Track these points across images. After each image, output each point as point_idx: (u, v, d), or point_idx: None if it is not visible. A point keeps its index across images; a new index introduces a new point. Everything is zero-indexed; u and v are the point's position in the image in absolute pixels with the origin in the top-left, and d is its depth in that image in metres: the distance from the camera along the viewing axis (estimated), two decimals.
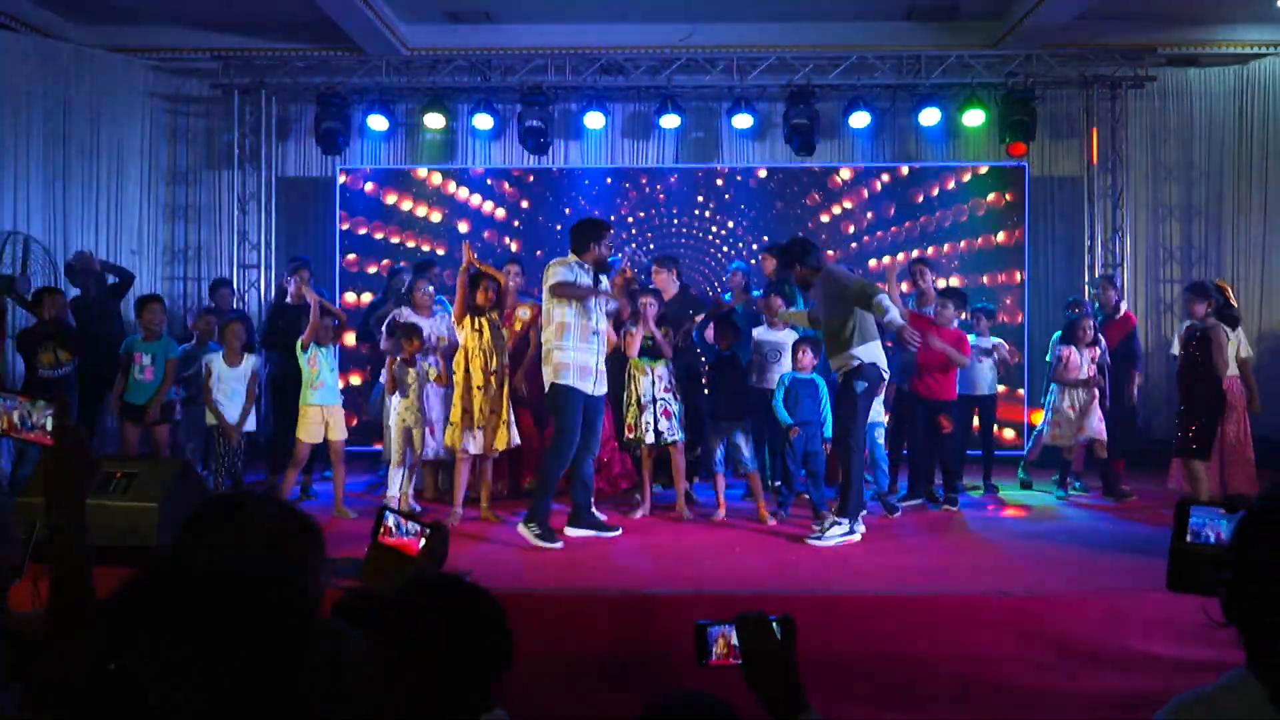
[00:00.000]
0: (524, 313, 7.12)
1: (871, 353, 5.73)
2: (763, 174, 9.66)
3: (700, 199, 9.64)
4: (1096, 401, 7.12)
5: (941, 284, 8.01)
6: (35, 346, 6.80)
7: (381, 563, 2.14)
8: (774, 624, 1.73)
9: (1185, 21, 9.46)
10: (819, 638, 3.93)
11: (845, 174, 9.64)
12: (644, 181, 9.69)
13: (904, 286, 7.90)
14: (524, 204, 9.64)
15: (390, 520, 2.19)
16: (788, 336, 6.78)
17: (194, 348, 7.41)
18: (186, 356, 7.34)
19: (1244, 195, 9.70)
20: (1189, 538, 2.10)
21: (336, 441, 6.71)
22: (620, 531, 5.92)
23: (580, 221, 6.01)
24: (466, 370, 6.21)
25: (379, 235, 9.61)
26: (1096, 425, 7.08)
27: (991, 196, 9.47)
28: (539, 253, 9.50)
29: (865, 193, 9.56)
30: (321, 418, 6.64)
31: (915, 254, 8.93)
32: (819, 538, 5.65)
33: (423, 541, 2.18)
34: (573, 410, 5.66)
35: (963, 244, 9.36)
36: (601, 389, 5.84)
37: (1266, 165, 9.67)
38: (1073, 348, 7.16)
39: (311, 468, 7.33)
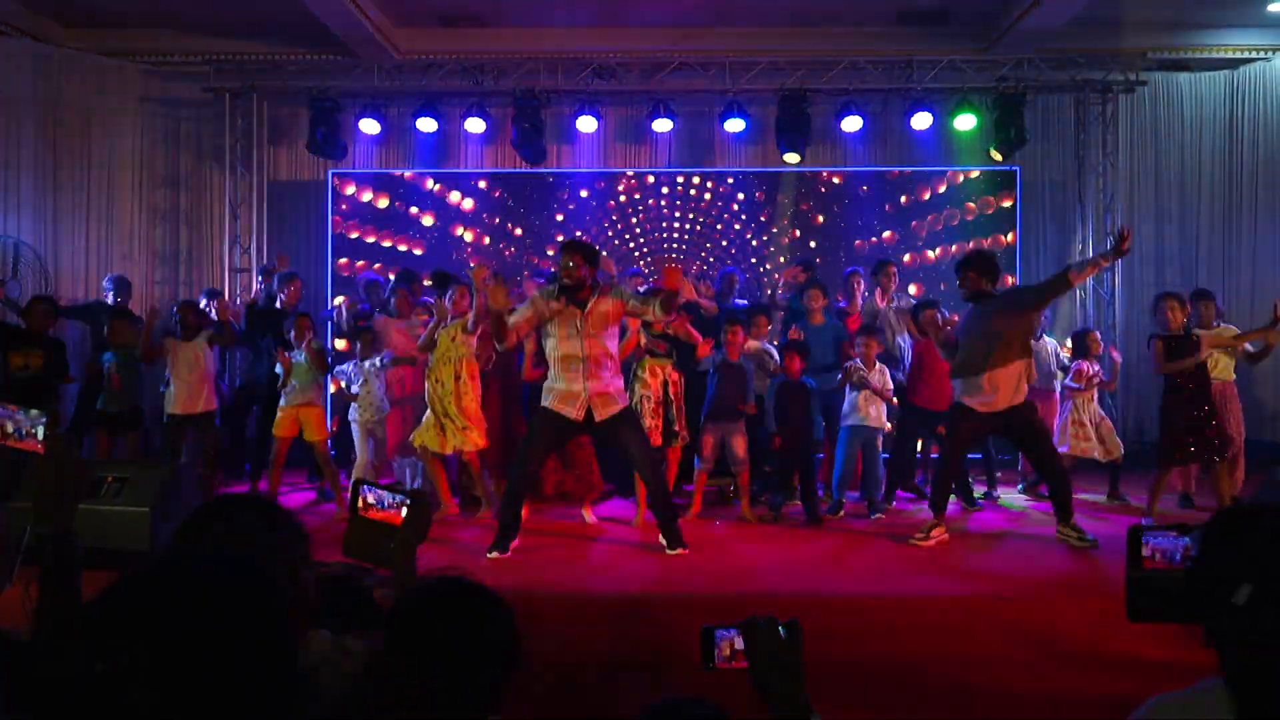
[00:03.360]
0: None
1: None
2: (755, 178, 9.67)
3: (692, 203, 9.65)
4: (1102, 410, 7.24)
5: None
6: (9, 349, 6.86)
7: (363, 535, 2.14)
8: (781, 628, 1.74)
9: (1176, 26, 9.50)
10: (814, 639, 3.92)
11: (837, 178, 9.66)
12: (636, 185, 9.69)
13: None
14: (516, 208, 9.64)
15: (368, 494, 2.19)
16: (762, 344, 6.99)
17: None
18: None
19: (1234, 199, 9.74)
20: (1145, 563, 1.98)
21: (314, 442, 6.75)
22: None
23: None
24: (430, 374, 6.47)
25: (370, 239, 9.62)
26: (1112, 436, 7.17)
27: (983, 200, 9.50)
28: (536, 260, 9.52)
29: (857, 197, 9.58)
30: (294, 417, 6.70)
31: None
32: (925, 538, 5.71)
33: (404, 511, 2.18)
34: (531, 431, 5.73)
35: (954, 247, 9.36)
36: (603, 412, 5.52)
37: (1257, 169, 9.70)
38: (1084, 360, 7.20)
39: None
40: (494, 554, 5.40)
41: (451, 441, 6.35)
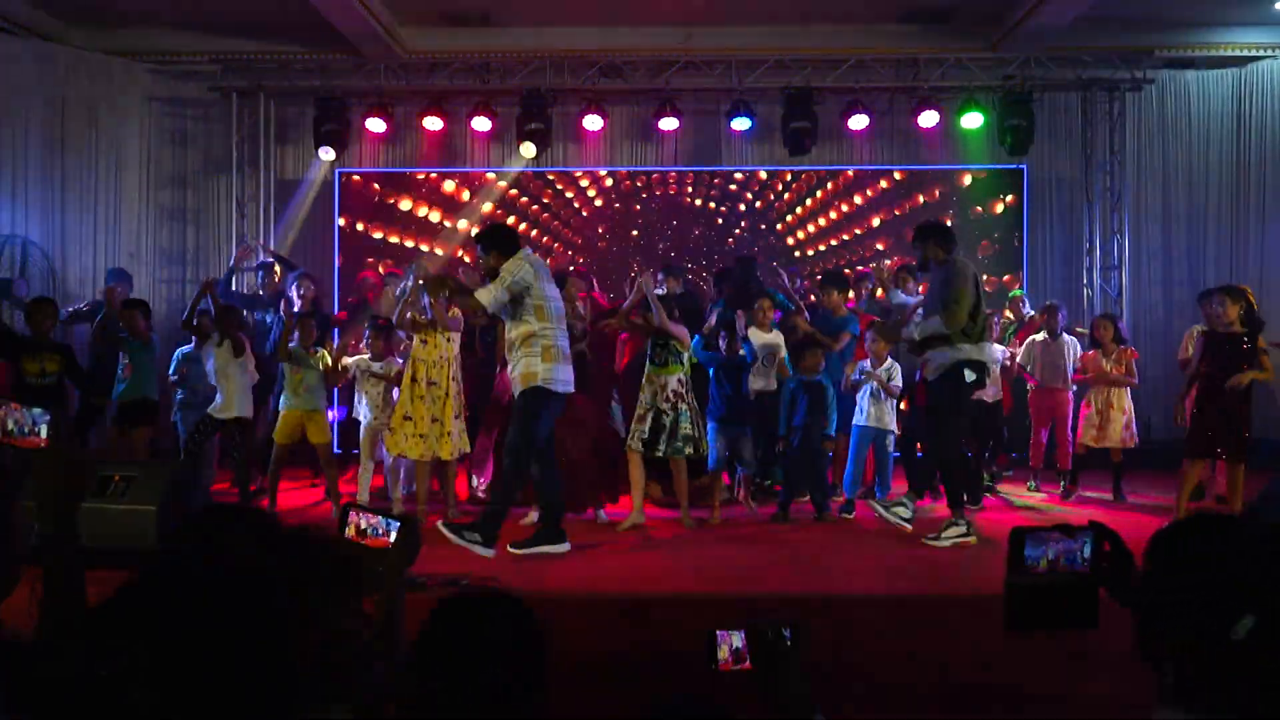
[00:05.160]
0: None
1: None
2: (762, 176, 9.66)
3: (699, 201, 9.64)
4: (1120, 405, 7.22)
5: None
6: (22, 355, 6.68)
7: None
8: (785, 630, 1.73)
9: (1183, 24, 9.47)
10: (818, 639, 3.92)
11: (844, 177, 9.64)
12: (642, 183, 9.69)
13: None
14: (520, 206, 9.65)
15: (357, 516, 2.18)
16: (776, 338, 6.89)
17: (194, 350, 7.38)
18: (186, 358, 7.34)
19: (1242, 197, 9.70)
20: (1026, 567, 1.88)
21: (319, 445, 6.72)
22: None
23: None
24: (413, 379, 6.29)
25: (376, 236, 9.63)
26: (1122, 431, 7.17)
27: (990, 199, 9.47)
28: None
29: (864, 195, 9.57)
30: (298, 423, 6.65)
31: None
32: (936, 539, 5.65)
33: (394, 535, 2.17)
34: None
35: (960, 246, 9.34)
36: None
37: (1265, 167, 9.67)
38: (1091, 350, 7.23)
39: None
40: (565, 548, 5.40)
41: (438, 449, 6.26)
